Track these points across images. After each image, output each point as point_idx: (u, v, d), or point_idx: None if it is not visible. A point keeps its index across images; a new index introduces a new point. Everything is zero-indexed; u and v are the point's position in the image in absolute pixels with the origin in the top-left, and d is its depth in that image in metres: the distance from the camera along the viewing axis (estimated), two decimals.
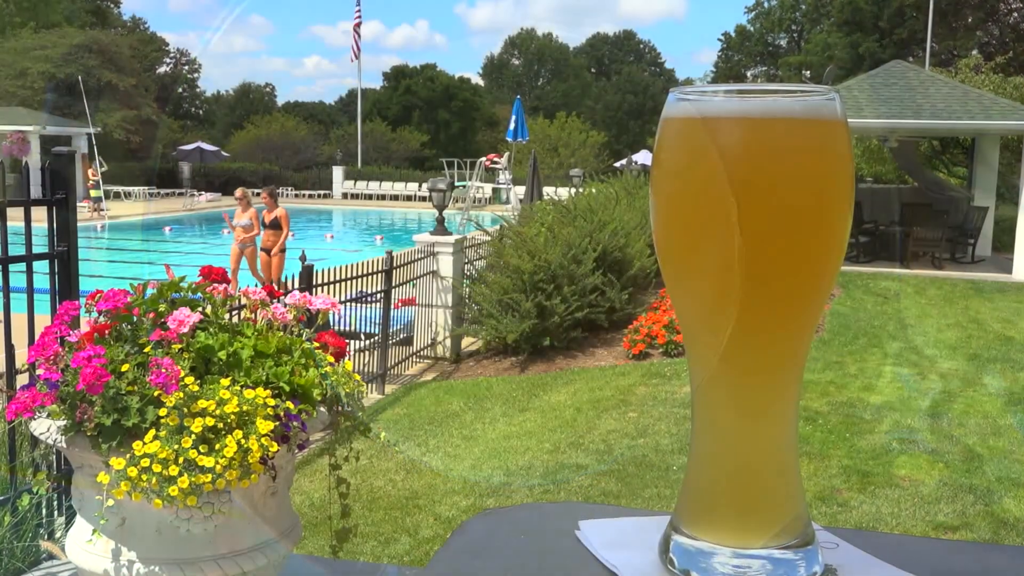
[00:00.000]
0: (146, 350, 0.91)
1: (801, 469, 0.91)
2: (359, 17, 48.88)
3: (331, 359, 0.98)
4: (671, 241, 0.86)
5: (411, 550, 4.90)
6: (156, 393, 0.86)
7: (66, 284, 3.32)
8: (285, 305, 1.01)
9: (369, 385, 8.82)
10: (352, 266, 8.87)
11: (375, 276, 9.28)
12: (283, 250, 13.06)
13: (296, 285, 7.49)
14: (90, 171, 29.51)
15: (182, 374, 0.87)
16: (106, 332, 0.94)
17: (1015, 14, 45.06)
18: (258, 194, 13.92)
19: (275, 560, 0.93)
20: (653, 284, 11.75)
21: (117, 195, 34.42)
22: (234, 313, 1.04)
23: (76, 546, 0.91)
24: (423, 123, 61.88)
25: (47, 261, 3.31)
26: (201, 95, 65.12)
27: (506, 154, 30.93)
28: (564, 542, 0.93)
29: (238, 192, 13.79)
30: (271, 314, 0.99)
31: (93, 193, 29.18)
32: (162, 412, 0.86)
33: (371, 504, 5.58)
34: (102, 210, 28.83)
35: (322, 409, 0.96)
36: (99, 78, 41.04)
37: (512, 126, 27.66)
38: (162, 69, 54.99)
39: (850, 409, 7.36)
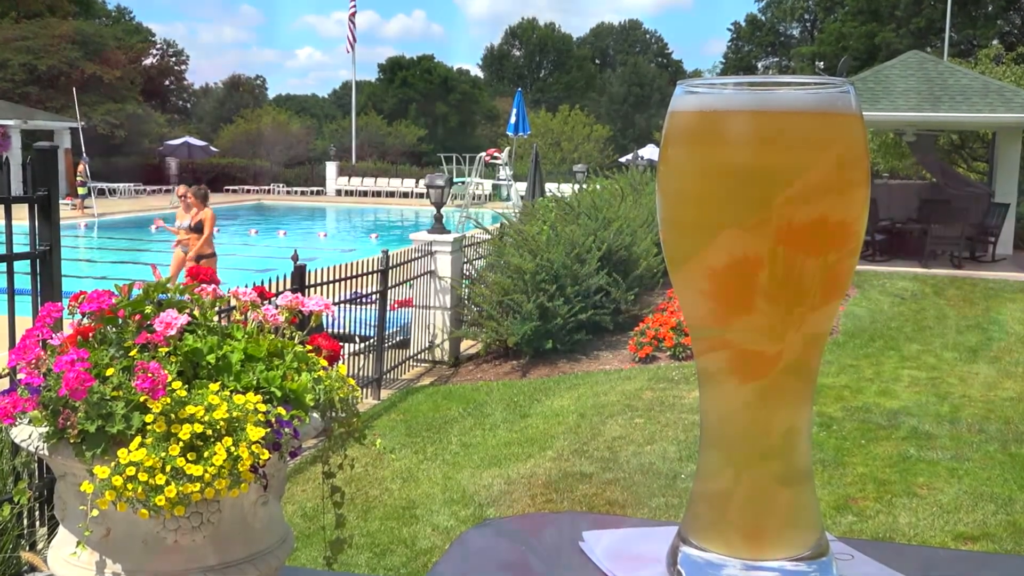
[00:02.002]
0: (132, 354, 0.89)
1: (815, 477, 0.88)
2: (354, 6, 48.83)
3: (324, 363, 0.97)
4: (679, 239, 0.84)
5: (408, 562, 4.89)
6: (142, 398, 0.84)
7: (48, 285, 3.31)
8: (277, 307, 0.99)
9: (364, 390, 8.79)
10: (346, 266, 8.84)
11: (370, 276, 9.25)
12: (202, 257, 11.36)
13: (288, 286, 7.47)
14: (79, 167, 29.39)
15: (169, 379, 0.85)
16: (90, 335, 0.92)
17: None
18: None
19: (266, 572, 0.91)
20: (660, 284, 11.73)
21: (102, 192, 34.20)
22: (223, 315, 1.02)
23: (59, 558, 0.90)
24: (420, 117, 61.68)
25: (28, 261, 3.28)
26: (189, 88, 64.77)
27: (507, 149, 31.03)
28: (567, 553, 0.91)
29: (179, 190, 12.77)
30: (262, 316, 0.98)
31: (80, 191, 29.08)
32: (148, 418, 0.84)
33: (366, 514, 5.56)
34: (88, 208, 28.73)
35: (315, 415, 0.95)
36: (83, 70, 40.77)
37: (513, 120, 27.70)
38: (148, 61, 54.56)
39: (866, 414, 7.31)
